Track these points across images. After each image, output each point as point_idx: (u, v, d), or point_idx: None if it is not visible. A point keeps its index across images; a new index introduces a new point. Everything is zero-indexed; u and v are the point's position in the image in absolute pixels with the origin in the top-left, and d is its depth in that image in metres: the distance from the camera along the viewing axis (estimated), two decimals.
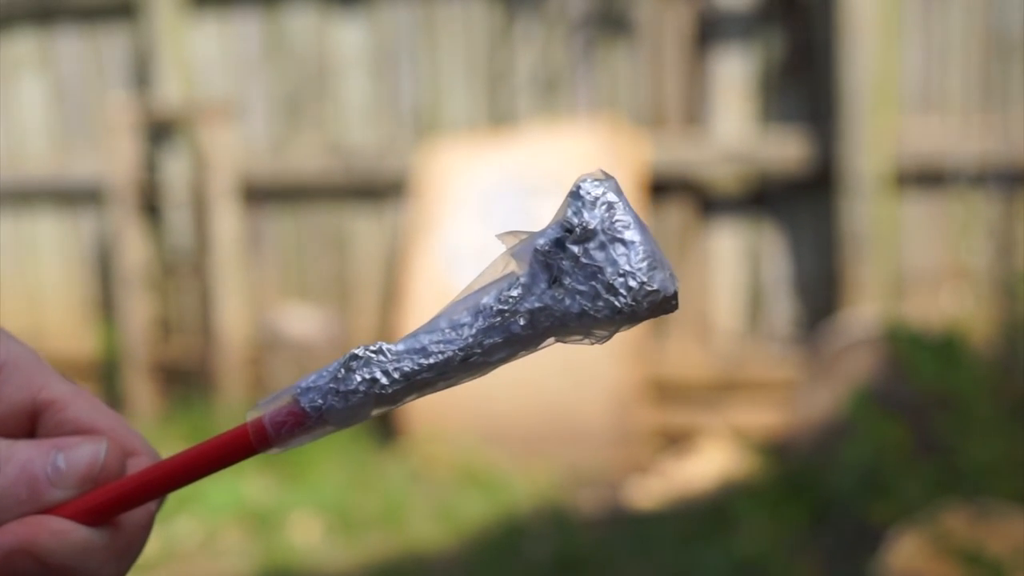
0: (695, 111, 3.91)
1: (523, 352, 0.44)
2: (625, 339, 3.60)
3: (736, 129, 3.86)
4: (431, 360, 0.44)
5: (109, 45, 4.65)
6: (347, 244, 4.36)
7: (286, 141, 4.43)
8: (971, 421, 2.69)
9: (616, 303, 0.43)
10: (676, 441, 3.81)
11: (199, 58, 4.49)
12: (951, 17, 3.57)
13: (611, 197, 0.43)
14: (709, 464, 3.53)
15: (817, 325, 3.74)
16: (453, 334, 0.44)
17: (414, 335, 0.45)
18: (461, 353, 0.44)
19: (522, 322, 0.44)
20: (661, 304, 0.43)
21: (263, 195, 4.45)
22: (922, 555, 2.40)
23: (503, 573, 2.90)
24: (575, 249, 0.43)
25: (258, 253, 4.49)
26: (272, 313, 4.33)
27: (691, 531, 3.02)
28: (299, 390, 0.46)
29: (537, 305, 0.43)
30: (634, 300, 0.43)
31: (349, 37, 4.29)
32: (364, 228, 4.34)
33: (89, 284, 4.80)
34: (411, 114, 4.24)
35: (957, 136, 3.57)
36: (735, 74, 3.84)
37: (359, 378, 0.45)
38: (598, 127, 3.88)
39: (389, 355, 0.45)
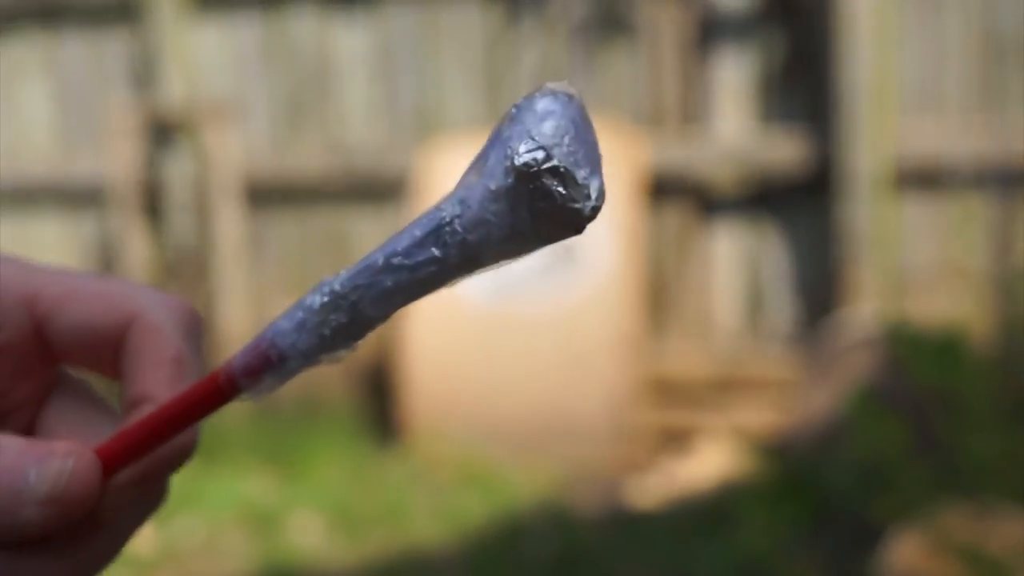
0: (695, 112, 3.91)
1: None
2: (625, 337, 3.61)
3: (735, 130, 3.86)
4: (390, 277, 0.44)
5: (112, 47, 4.66)
6: (349, 244, 4.37)
7: (288, 142, 4.43)
8: (971, 420, 2.70)
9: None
10: (676, 440, 3.81)
11: (201, 60, 4.50)
12: (949, 18, 3.58)
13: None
14: (709, 463, 3.53)
15: (817, 325, 3.74)
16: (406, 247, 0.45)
17: (371, 254, 0.45)
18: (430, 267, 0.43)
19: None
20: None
21: (265, 196, 4.46)
22: (922, 554, 2.40)
23: (503, 572, 2.91)
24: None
25: (260, 254, 4.50)
26: (275, 314, 4.34)
27: (691, 530, 3.03)
28: (266, 333, 0.46)
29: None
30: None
31: (350, 39, 4.30)
32: (365, 228, 4.34)
33: None
34: (412, 115, 4.25)
35: (955, 136, 3.58)
36: (734, 75, 3.85)
37: (320, 303, 0.45)
38: (598, 128, 3.88)
39: (348, 280, 0.45)
